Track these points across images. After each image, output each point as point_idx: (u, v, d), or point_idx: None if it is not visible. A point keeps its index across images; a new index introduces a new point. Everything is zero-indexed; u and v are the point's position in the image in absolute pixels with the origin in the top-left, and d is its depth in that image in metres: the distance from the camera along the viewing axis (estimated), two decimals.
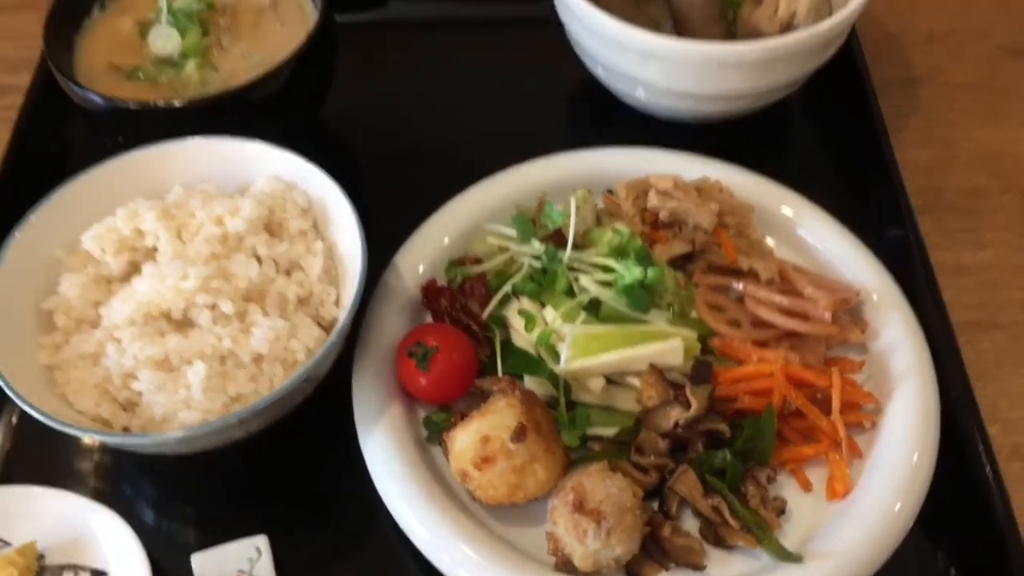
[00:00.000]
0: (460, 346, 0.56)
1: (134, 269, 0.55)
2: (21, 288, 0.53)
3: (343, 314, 0.53)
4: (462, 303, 0.59)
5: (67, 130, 0.72)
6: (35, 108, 0.70)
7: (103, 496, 0.54)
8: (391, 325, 0.59)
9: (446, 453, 0.54)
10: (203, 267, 0.53)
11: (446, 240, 0.62)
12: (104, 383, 0.51)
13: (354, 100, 0.72)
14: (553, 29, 0.71)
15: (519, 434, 0.51)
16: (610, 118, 0.72)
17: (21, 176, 0.67)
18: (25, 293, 0.53)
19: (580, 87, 0.74)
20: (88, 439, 0.51)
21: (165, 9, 0.64)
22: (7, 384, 0.49)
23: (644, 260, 0.58)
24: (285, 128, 0.62)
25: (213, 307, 0.52)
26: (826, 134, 0.75)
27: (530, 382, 0.57)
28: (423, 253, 0.61)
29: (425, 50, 0.78)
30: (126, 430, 0.51)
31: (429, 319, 0.60)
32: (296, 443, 0.57)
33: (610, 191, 0.65)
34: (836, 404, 0.56)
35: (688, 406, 0.55)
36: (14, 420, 0.58)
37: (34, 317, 0.54)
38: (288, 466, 0.57)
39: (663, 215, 0.62)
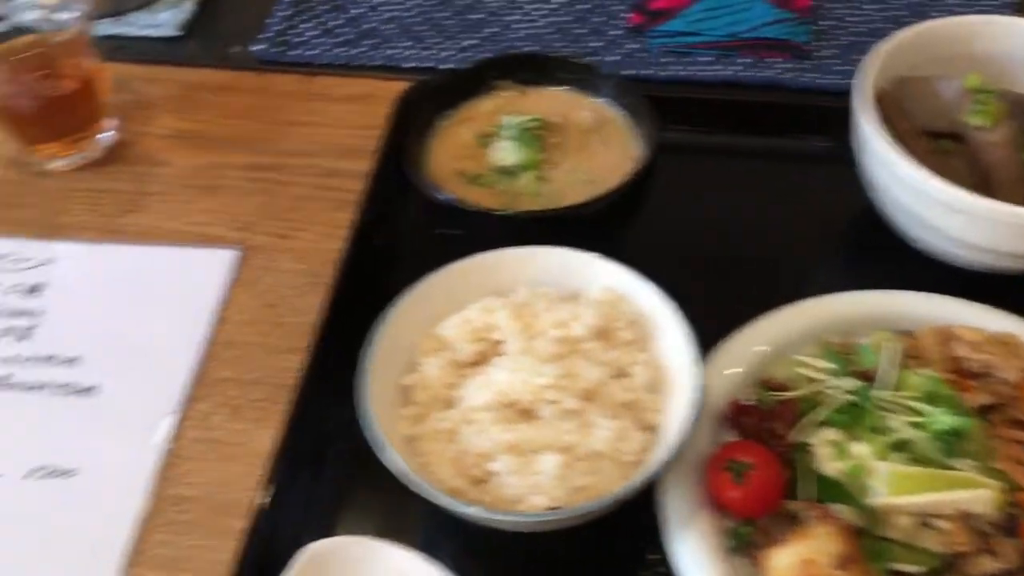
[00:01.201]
0: (772, 465, 0.60)
1: (480, 358, 0.62)
2: (388, 365, 0.60)
3: (677, 425, 0.57)
4: (768, 425, 0.64)
5: (400, 216, 0.81)
6: (373, 194, 0.78)
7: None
8: (696, 436, 0.62)
9: (755, 565, 0.58)
10: (553, 365, 0.58)
11: (743, 364, 0.65)
12: (460, 458, 0.57)
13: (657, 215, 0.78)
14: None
15: (845, 562, 0.54)
16: (900, 259, 0.75)
17: (361, 252, 0.75)
18: (390, 370, 0.60)
19: (866, 225, 0.77)
20: (448, 507, 0.56)
21: (508, 126, 0.73)
22: (382, 447, 0.56)
23: (956, 408, 0.61)
24: (610, 239, 0.69)
25: (556, 402, 0.58)
26: None
27: (837, 510, 0.59)
28: (722, 373, 0.65)
29: (718, 176, 0.84)
30: (476, 503, 0.56)
31: (727, 434, 0.64)
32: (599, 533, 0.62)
33: (909, 333, 0.68)
34: None
35: (999, 557, 0.57)
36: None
37: (395, 391, 0.61)
38: (591, 552, 0.62)
39: (972, 366, 0.65)
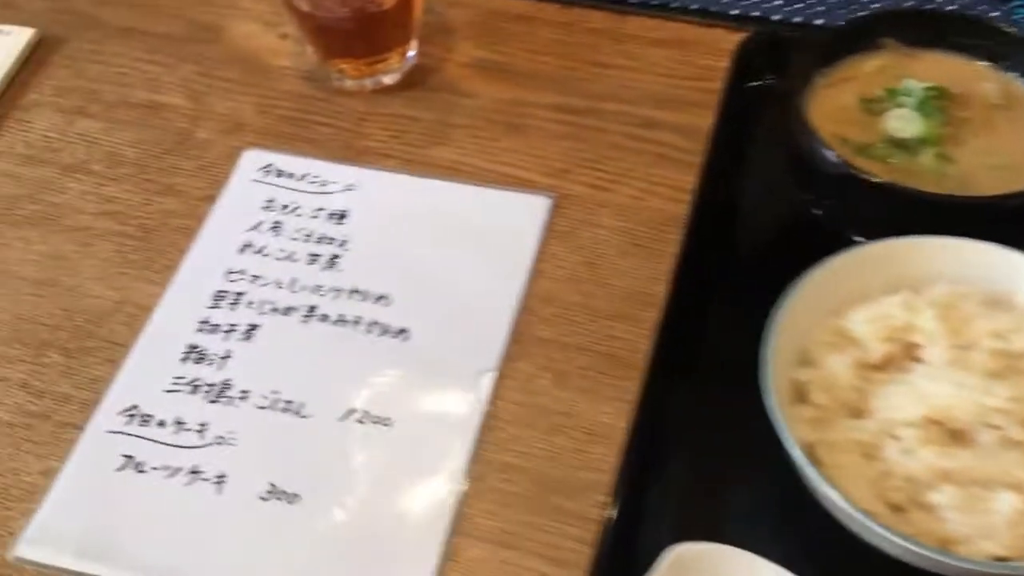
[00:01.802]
0: None
1: (887, 361, 0.53)
2: (782, 356, 0.51)
3: None
4: None
5: (742, 181, 0.72)
6: (711, 154, 0.70)
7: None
8: None
9: None
10: (1000, 384, 0.49)
11: None
12: (880, 479, 0.49)
13: None
14: None
15: None
16: None
17: (700, 217, 0.67)
18: (783, 362, 0.51)
19: None
20: (869, 532, 0.48)
21: (908, 92, 0.63)
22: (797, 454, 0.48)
23: None
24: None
25: (999, 428, 0.49)
26: None
27: None
28: None
29: None
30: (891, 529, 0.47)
31: None
32: None
33: None
34: None
35: None
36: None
37: (787, 387, 0.52)
38: None
39: None
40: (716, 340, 0.62)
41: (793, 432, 0.49)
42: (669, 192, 0.71)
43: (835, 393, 0.52)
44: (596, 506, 0.56)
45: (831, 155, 0.59)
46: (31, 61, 0.83)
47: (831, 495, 0.47)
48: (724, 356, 0.61)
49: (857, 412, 0.52)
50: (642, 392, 0.58)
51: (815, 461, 0.49)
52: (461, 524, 0.56)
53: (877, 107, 0.64)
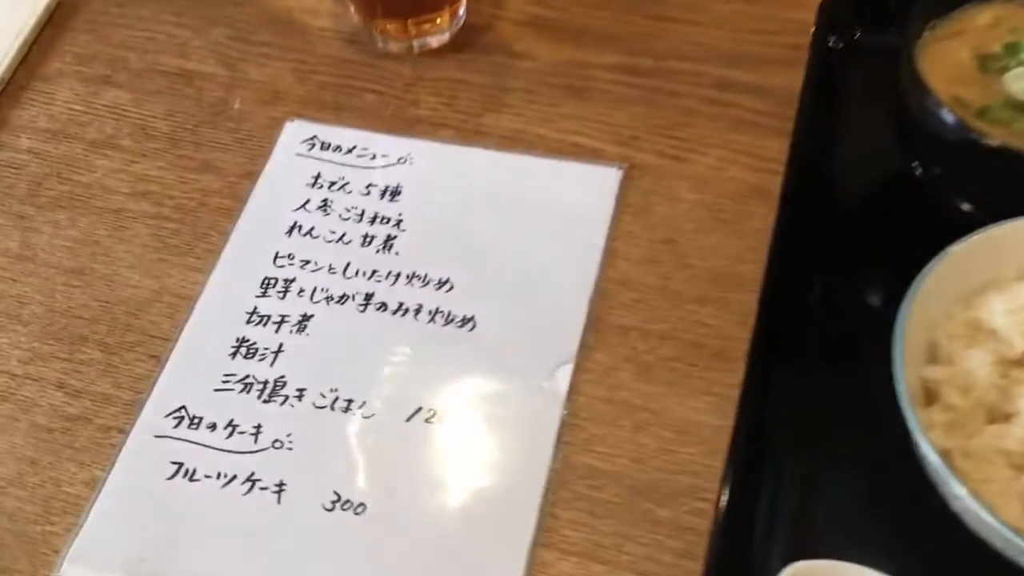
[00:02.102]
0: None
1: None
2: (910, 353, 0.45)
3: None
4: None
5: (837, 148, 0.66)
6: (799, 118, 0.63)
7: None
8: None
9: None
10: None
11: None
12: None
13: None
14: None
15: None
16: None
17: (793, 189, 0.60)
18: (910, 359, 0.46)
19: None
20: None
21: None
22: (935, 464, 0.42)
23: None
24: None
25: None
26: None
27: None
28: None
29: None
30: None
31: None
32: None
33: None
34: None
35: None
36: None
37: (915, 384, 0.46)
38: None
39: None
40: (819, 328, 0.56)
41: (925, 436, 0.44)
42: (752, 161, 0.65)
43: (973, 394, 0.46)
44: (692, 513, 0.51)
45: (950, 117, 0.53)
46: (50, 26, 0.76)
47: (979, 512, 0.41)
48: (829, 346, 0.55)
49: (999, 415, 0.46)
50: (745, 386, 0.53)
51: (955, 469, 0.44)
52: (546, 535, 0.51)
53: (995, 65, 0.57)
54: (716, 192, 0.64)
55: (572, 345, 0.57)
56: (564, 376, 0.56)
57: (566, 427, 0.55)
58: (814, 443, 0.53)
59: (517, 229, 0.62)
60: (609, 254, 0.61)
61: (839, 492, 0.51)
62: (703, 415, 0.54)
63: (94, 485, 0.54)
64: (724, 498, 0.49)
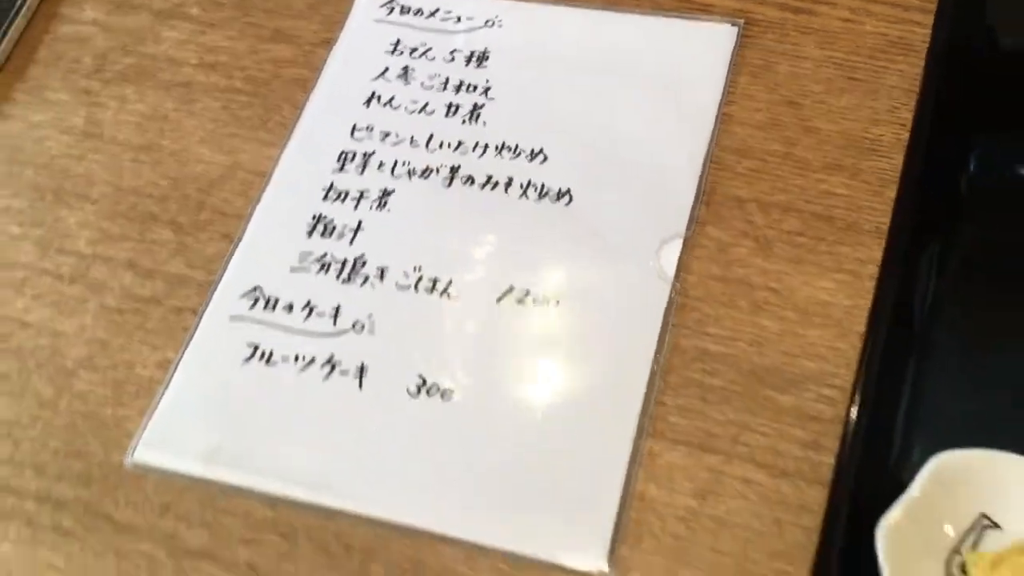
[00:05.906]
0: None
1: None
2: None
3: None
4: None
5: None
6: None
7: None
8: None
9: None
10: None
11: None
12: None
13: None
14: None
15: None
16: None
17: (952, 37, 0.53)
18: None
19: None
20: None
21: None
22: None
23: None
24: None
25: None
26: None
27: None
28: None
29: None
30: None
31: None
32: None
33: None
34: None
35: None
36: None
37: None
38: None
39: None
40: (973, 198, 0.49)
41: None
42: (890, 11, 0.56)
43: None
44: (820, 401, 0.45)
45: None
46: None
47: None
48: (984, 220, 0.48)
49: None
50: (884, 262, 0.46)
51: None
52: (653, 424, 0.46)
53: None
54: (848, 48, 0.56)
55: (681, 219, 0.51)
56: (672, 252, 0.50)
57: (675, 307, 0.49)
58: (962, 329, 0.46)
59: (617, 94, 0.56)
60: (724, 119, 0.54)
61: (994, 382, 0.45)
62: (832, 295, 0.48)
63: (167, 368, 0.51)
64: (861, 383, 0.43)
